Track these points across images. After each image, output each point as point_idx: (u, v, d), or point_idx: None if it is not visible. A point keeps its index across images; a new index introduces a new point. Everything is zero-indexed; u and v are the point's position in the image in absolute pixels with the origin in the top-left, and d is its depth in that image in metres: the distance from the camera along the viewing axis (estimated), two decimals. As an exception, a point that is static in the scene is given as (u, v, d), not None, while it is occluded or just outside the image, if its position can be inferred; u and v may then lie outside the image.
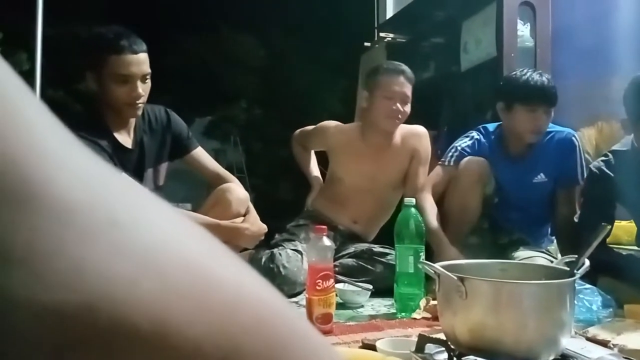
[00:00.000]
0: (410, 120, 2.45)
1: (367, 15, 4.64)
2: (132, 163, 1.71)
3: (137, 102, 1.63)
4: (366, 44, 4.27)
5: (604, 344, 1.24)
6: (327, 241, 1.52)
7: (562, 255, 2.13)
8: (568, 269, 1.11)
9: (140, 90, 1.61)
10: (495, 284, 1.03)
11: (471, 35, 3.22)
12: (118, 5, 8.54)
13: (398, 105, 2.24)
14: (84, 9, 7.94)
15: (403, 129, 2.37)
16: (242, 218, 1.75)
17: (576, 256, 1.13)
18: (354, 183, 2.37)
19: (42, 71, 3.52)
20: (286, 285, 2.02)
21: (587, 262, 1.12)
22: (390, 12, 4.42)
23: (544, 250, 2.08)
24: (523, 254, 2.01)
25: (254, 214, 1.77)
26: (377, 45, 4.11)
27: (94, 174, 0.21)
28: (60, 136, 0.21)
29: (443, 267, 1.18)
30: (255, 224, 1.74)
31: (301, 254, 2.08)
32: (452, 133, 3.32)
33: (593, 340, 1.28)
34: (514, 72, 2.15)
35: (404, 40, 3.99)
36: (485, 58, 3.08)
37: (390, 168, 2.38)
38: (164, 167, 1.83)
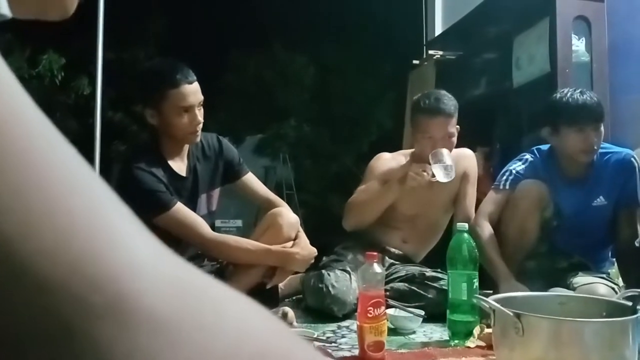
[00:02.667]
0: (462, 136, 2.43)
1: (416, 32, 4.63)
2: (187, 190, 1.77)
3: (198, 128, 1.69)
4: (415, 61, 4.25)
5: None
6: (377, 268, 1.52)
7: (623, 280, 2.06)
8: (630, 303, 1.07)
9: (199, 117, 1.68)
10: (554, 321, 1.00)
11: (524, 50, 3.16)
12: (177, 27, 8.86)
13: (440, 145, 2.18)
14: (144, 33, 8.28)
15: (452, 152, 2.35)
16: (292, 242, 1.77)
17: (639, 290, 1.08)
18: (406, 209, 2.35)
19: (103, 94, 3.69)
20: (336, 305, 2.02)
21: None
22: (439, 29, 4.40)
23: (604, 276, 2.00)
24: (583, 280, 1.94)
25: (304, 238, 1.79)
26: (426, 63, 4.09)
27: (179, 277, 0.23)
28: (148, 243, 0.23)
29: (498, 300, 1.16)
30: (305, 248, 1.76)
31: (349, 273, 2.08)
32: (505, 150, 3.26)
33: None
34: (555, 95, 2.10)
35: (453, 57, 3.96)
36: (539, 74, 3.01)
37: (442, 193, 2.36)
38: (216, 192, 1.88)
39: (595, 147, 2.01)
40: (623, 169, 2.05)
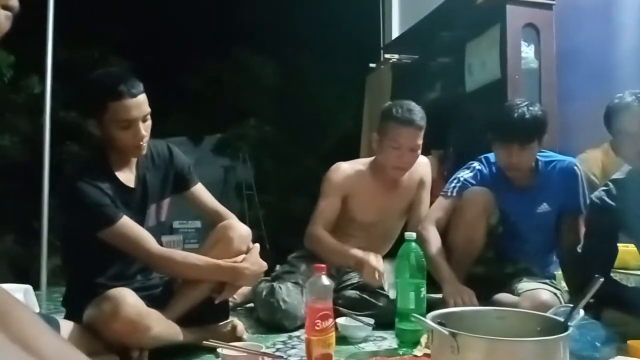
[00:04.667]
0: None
1: (374, 35, 4.67)
2: (135, 201, 1.73)
3: (141, 143, 1.65)
4: (372, 65, 4.28)
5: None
6: (326, 280, 1.52)
7: (566, 285, 2.13)
8: (562, 320, 1.11)
9: (142, 132, 1.63)
10: (488, 341, 1.02)
11: (476, 56, 3.22)
12: (135, 28, 8.68)
13: (406, 156, 2.21)
14: (100, 34, 8.06)
15: None
16: (243, 256, 1.75)
17: (571, 305, 1.12)
18: (363, 218, 2.36)
19: (53, 94, 3.60)
20: (287, 320, 2.03)
21: (582, 313, 1.11)
22: (396, 33, 4.44)
23: (548, 281, 2.06)
24: (527, 286, 2.00)
25: (255, 251, 1.77)
26: (382, 66, 4.12)
27: None
28: None
29: (438, 316, 1.18)
30: (255, 263, 1.74)
31: (302, 287, 2.09)
32: (459, 154, 3.32)
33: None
34: (505, 104, 2.14)
35: (409, 61, 4.00)
36: (490, 80, 3.08)
37: (399, 200, 2.38)
38: (166, 202, 1.84)
39: (520, 165, 2.05)
40: (566, 177, 2.12)
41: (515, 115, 2.00)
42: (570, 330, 1.06)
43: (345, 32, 7.77)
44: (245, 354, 1.49)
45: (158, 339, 1.57)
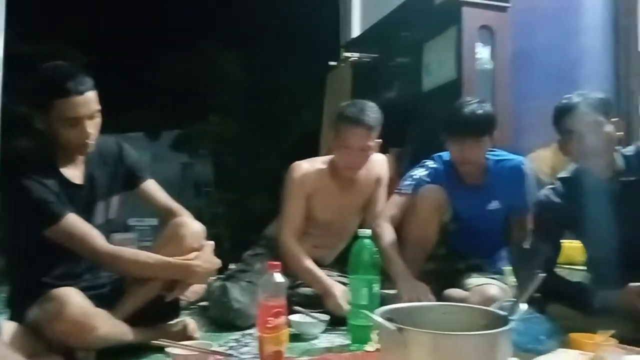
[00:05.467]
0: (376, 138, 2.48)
1: (335, 34, 4.68)
2: (82, 198, 1.68)
3: (88, 141, 1.60)
4: (332, 63, 4.29)
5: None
6: (279, 278, 1.52)
7: (515, 280, 2.19)
8: (505, 314, 1.14)
9: (89, 129, 1.59)
10: (433, 335, 1.04)
11: (433, 56, 3.26)
12: (97, 22, 8.47)
13: (355, 157, 2.21)
14: (60, 27, 7.81)
15: None
16: (196, 253, 1.72)
17: (514, 300, 1.15)
18: (321, 216, 2.36)
19: (5, 87, 3.47)
20: (240, 319, 2.01)
21: (525, 307, 1.14)
22: (356, 32, 4.46)
23: (496, 277, 2.12)
24: (476, 281, 2.05)
25: (208, 249, 1.75)
26: (342, 65, 4.13)
27: None
28: None
29: (387, 310, 1.20)
30: (208, 260, 1.72)
31: (256, 285, 2.08)
32: (416, 153, 3.36)
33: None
34: (452, 104, 2.18)
35: (369, 60, 4.03)
36: (446, 80, 3.12)
37: (356, 198, 2.40)
38: (115, 200, 1.80)
39: (473, 160, 2.10)
40: (515, 175, 2.18)
41: (468, 110, 2.05)
42: (512, 323, 1.09)
43: (308, 29, 7.77)
44: (195, 353, 1.48)
45: (105, 339, 1.53)
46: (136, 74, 8.49)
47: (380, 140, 2.29)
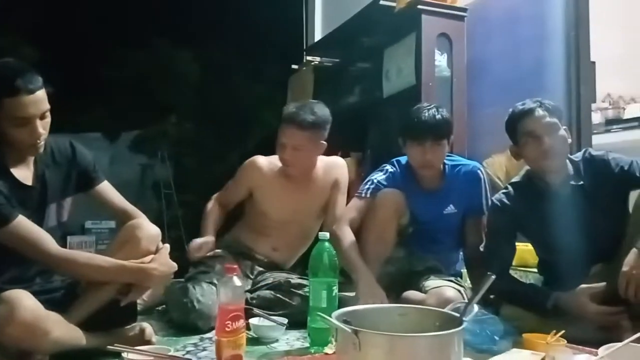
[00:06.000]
0: (337, 141, 2.50)
1: (297, 37, 4.69)
2: (33, 200, 1.63)
3: (38, 141, 1.56)
4: (295, 66, 4.30)
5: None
6: (237, 281, 1.51)
7: (470, 282, 2.25)
8: (458, 315, 1.17)
9: (40, 129, 1.54)
10: (388, 337, 1.07)
11: (393, 63, 3.32)
12: (48, 17, 8.20)
13: (289, 155, 2.27)
14: (11, 22, 7.52)
15: (324, 160, 2.43)
16: (152, 256, 1.70)
17: (466, 301, 1.18)
18: (277, 216, 2.39)
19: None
20: (201, 320, 2.00)
21: (476, 308, 1.18)
22: (318, 36, 4.48)
23: (453, 279, 2.17)
24: (433, 283, 2.09)
25: (164, 252, 1.72)
26: (304, 68, 4.15)
27: None
28: None
29: (344, 313, 1.21)
30: (164, 264, 1.69)
31: (217, 286, 2.06)
32: (376, 157, 3.41)
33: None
34: (415, 107, 2.23)
35: (330, 64, 4.06)
36: (405, 85, 3.17)
37: (312, 200, 2.42)
38: (68, 202, 1.75)
39: (433, 163, 2.16)
40: (470, 180, 2.24)
41: (428, 115, 2.11)
42: (465, 324, 1.12)
43: (270, 32, 7.77)
44: (152, 358, 1.46)
45: (58, 344, 1.49)
46: (92, 71, 8.28)
47: (325, 143, 2.33)
